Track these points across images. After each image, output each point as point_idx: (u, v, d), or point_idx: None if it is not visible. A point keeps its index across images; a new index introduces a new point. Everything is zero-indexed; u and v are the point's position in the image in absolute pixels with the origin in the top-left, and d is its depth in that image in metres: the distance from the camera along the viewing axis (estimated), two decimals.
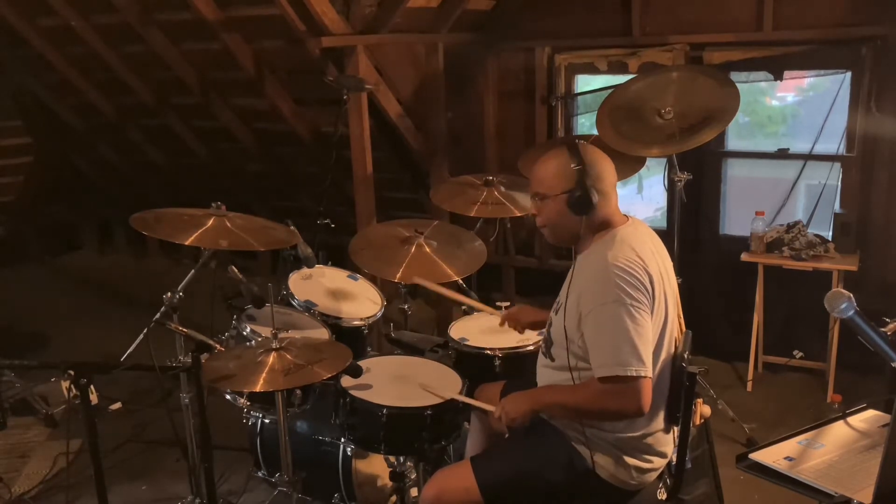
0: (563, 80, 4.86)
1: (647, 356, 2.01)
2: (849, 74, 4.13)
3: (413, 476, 2.63)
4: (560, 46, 4.80)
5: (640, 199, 5.43)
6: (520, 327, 2.68)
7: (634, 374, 1.98)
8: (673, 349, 2.20)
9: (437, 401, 2.45)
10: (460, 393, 2.50)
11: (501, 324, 2.71)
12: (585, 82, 4.94)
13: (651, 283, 2.06)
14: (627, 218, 2.22)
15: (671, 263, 2.24)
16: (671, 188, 4.16)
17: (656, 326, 2.09)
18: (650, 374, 2.01)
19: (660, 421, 2.19)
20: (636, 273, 2.03)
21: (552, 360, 2.24)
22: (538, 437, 2.24)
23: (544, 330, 2.34)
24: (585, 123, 5.00)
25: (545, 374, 2.29)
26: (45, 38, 5.33)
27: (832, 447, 1.94)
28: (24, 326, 5.33)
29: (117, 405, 4.04)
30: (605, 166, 2.16)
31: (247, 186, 6.08)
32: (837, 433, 2.01)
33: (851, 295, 1.68)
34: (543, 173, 2.19)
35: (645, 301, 2.03)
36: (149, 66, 5.19)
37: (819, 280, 4.01)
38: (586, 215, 2.13)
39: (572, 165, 2.11)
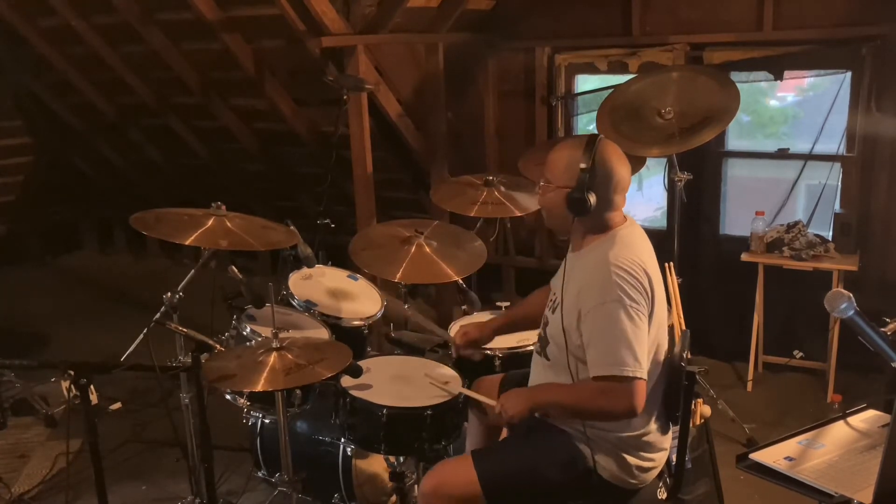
0: (563, 80, 4.86)
1: (643, 357, 2.01)
2: (849, 74, 4.13)
3: (413, 476, 2.63)
4: (560, 46, 4.80)
5: (640, 198, 5.43)
6: (473, 351, 2.64)
7: (630, 375, 1.98)
8: (666, 347, 2.20)
9: (443, 397, 2.45)
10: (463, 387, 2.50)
11: (457, 354, 2.68)
12: (585, 82, 4.94)
13: (650, 284, 2.06)
14: (626, 219, 2.21)
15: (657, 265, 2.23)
16: (671, 188, 4.16)
17: (653, 327, 2.09)
18: (645, 375, 2.01)
19: (658, 419, 2.20)
20: (637, 275, 2.03)
21: (547, 359, 2.24)
22: (540, 434, 2.24)
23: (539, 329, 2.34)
24: (585, 122, 4.99)
25: (540, 373, 2.29)
26: (45, 38, 5.34)
27: (832, 447, 1.94)
28: (24, 326, 5.33)
29: (117, 405, 4.03)
30: (617, 171, 2.12)
31: (247, 186, 6.08)
32: (837, 433, 2.01)
33: (851, 295, 1.68)
34: (555, 160, 2.16)
35: (643, 303, 2.03)
36: (149, 66, 5.19)
37: (819, 280, 4.01)
38: (579, 216, 2.12)
39: (581, 164, 2.08)
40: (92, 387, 2.22)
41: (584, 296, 2.07)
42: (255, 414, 2.96)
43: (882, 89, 4.03)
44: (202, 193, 3.95)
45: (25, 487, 3.45)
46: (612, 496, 2.19)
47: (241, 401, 2.82)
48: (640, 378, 2.00)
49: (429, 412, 2.42)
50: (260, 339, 2.67)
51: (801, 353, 4.25)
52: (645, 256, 2.11)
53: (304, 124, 5.11)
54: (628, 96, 3.60)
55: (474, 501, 2.17)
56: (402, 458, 2.60)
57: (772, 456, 1.90)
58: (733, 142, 4.67)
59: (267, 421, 2.99)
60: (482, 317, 3.19)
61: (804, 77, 4.43)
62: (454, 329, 3.01)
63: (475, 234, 3.35)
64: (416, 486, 2.64)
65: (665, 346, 2.20)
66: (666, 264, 3.32)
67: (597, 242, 2.15)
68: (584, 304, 2.06)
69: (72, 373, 2.16)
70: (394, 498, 2.77)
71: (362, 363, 2.61)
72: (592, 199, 2.07)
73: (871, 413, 2.09)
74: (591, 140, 2.11)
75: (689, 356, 2.22)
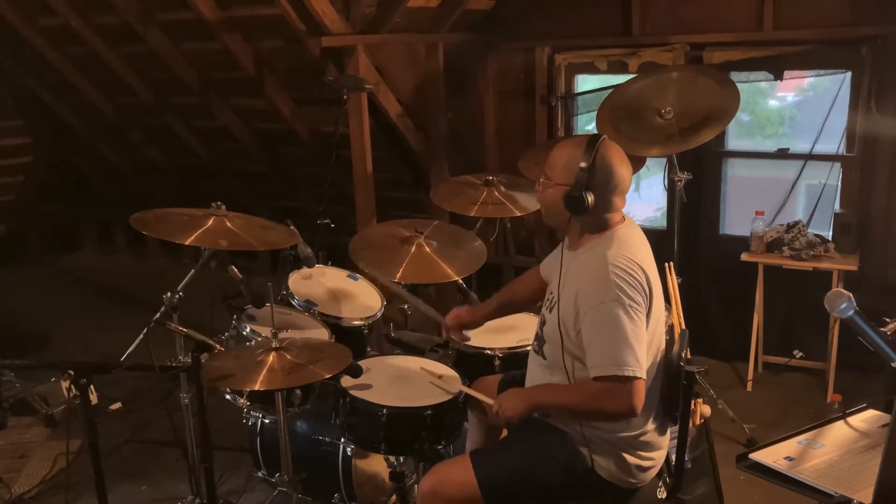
0: (563, 80, 4.86)
1: (642, 357, 2.01)
2: (849, 74, 4.13)
3: (413, 476, 2.63)
4: (560, 46, 4.80)
5: (640, 198, 5.43)
6: (464, 332, 2.65)
7: (630, 375, 1.98)
8: (663, 346, 2.20)
9: (443, 397, 2.45)
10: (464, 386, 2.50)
11: (447, 336, 2.70)
12: (585, 82, 4.94)
13: (648, 283, 2.06)
14: (624, 218, 2.21)
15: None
16: (671, 188, 4.15)
17: (651, 324, 2.09)
18: (644, 374, 2.01)
19: (656, 418, 2.19)
20: (635, 274, 2.03)
21: (544, 358, 2.24)
22: (538, 435, 2.24)
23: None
24: (585, 122, 4.99)
25: (537, 372, 2.28)
26: (45, 38, 5.34)
27: (832, 447, 1.94)
28: (24, 326, 5.33)
29: (117, 405, 4.04)
30: (618, 172, 2.10)
31: (247, 186, 6.08)
32: (837, 433, 2.01)
33: (851, 295, 1.68)
34: (556, 158, 2.16)
35: (642, 302, 2.03)
36: (149, 66, 5.19)
37: (819, 280, 4.00)
38: (576, 215, 2.11)
39: (580, 163, 2.07)
40: (92, 387, 2.22)
41: (583, 296, 2.06)
42: (255, 414, 2.96)
43: (882, 89, 4.03)
44: (202, 193, 3.94)
45: (25, 487, 3.44)
46: (611, 495, 2.19)
47: (241, 401, 2.82)
48: (640, 378, 2.00)
49: (429, 412, 2.42)
50: (260, 339, 2.67)
51: (801, 353, 4.26)
52: (643, 255, 2.11)
53: (304, 124, 5.11)
54: (628, 96, 3.60)
55: (473, 502, 2.16)
56: (402, 458, 2.60)
57: (772, 456, 1.90)
58: (733, 142, 4.67)
59: (267, 421, 2.99)
60: None
61: (804, 77, 4.43)
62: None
63: (475, 234, 3.35)
64: (416, 487, 2.63)
65: (664, 346, 2.20)
66: (666, 264, 3.32)
67: (594, 242, 2.14)
68: (583, 303, 2.06)
69: (72, 373, 2.16)
70: (394, 498, 2.77)
71: (362, 363, 2.61)
72: (590, 198, 2.06)
73: (871, 413, 2.09)
74: (593, 140, 2.11)
75: (689, 356, 2.22)
